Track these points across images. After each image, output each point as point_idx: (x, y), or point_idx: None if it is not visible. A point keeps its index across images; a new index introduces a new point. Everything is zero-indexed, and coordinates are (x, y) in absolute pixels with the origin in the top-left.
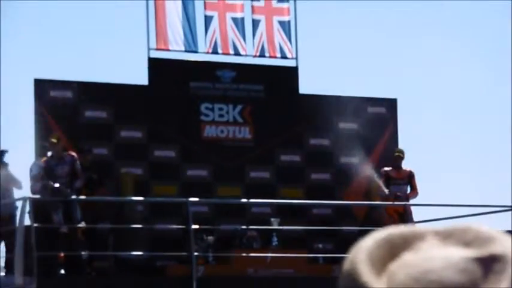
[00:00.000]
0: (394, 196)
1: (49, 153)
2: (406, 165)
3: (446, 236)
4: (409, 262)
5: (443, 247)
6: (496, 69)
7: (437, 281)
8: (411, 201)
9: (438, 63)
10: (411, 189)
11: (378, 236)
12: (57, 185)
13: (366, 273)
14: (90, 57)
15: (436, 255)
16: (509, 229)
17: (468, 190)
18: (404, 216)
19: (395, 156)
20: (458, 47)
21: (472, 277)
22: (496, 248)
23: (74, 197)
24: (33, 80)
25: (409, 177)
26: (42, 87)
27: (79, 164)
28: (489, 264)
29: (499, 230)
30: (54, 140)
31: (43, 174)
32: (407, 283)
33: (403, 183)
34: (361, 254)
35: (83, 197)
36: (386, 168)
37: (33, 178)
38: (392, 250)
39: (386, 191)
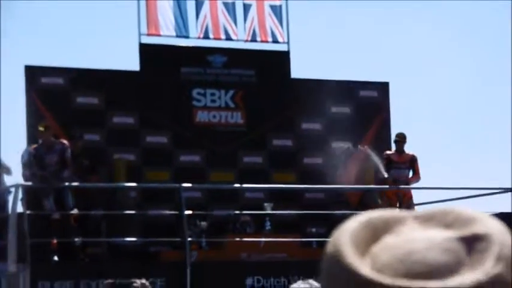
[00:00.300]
0: (392, 180)
1: (40, 141)
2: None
3: (427, 219)
4: (392, 244)
5: (424, 229)
6: (489, 52)
7: (421, 261)
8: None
9: (431, 46)
10: (413, 174)
11: (359, 219)
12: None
13: (349, 255)
14: (81, 44)
15: (418, 237)
16: (508, 211)
17: (463, 173)
18: (404, 200)
19: (395, 141)
20: (451, 29)
21: (456, 256)
22: (478, 228)
23: (65, 184)
24: (24, 67)
25: (411, 162)
26: (33, 73)
27: (69, 153)
28: (472, 243)
29: (488, 212)
30: (41, 129)
31: (32, 162)
32: (392, 264)
33: (404, 167)
34: (344, 236)
35: (75, 183)
36: (388, 152)
37: (24, 165)
38: (374, 233)
39: (385, 174)
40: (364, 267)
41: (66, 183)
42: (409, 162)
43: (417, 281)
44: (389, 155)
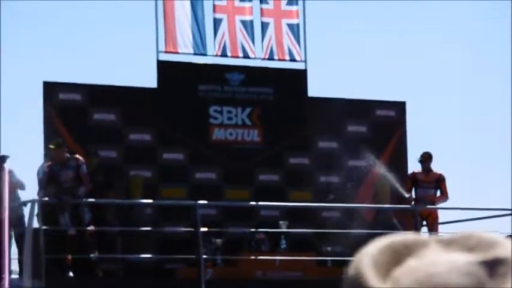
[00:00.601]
0: (415, 199)
1: (48, 165)
2: (414, 168)
3: (449, 243)
4: (414, 267)
5: (446, 253)
6: (506, 73)
7: (442, 284)
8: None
9: (448, 67)
10: (440, 193)
11: (381, 242)
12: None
13: (371, 278)
14: (99, 60)
15: (440, 260)
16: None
17: (478, 193)
18: (429, 220)
19: (419, 160)
20: (467, 50)
21: (477, 280)
22: (499, 252)
23: (82, 200)
24: (42, 83)
25: (438, 181)
26: (51, 89)
27: (85, 169)
28: (494, 267)
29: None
30: (52, 147)
31: (46, 180)
32: (413, 287)
33: (430, 186)
34: (365, 259)
35: (91, 199)
36: (415, 171)
37: (40, 183)
38: (396, 256)
39: (405, 193)
40: None
41: (83, 199)
42: (436, 182)
43: None
44: (415, 174)
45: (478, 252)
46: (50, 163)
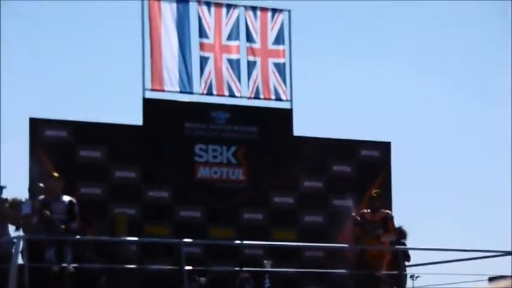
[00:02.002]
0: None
1: (41, 197)
2: (399, 208)
3: None
4: None
5: None
6: (492, 113)
7: None
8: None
9: (434, 107)
10: (386, 231)
11: None
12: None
13: None
14: (85, 96)
15: None
16: (508, 274)
17: (465, 234)
18: (375, 259)
19: (368, 198)
20: (456, 90)
21: None
22: None
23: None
24: (29, 119)
25: (384, 220)
26: (37, 125)
27: (77, 208)
28: None
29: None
30: (56, 175)
31: (41, 206)
32: None
33: (377, 225)
34: None
35: (77, 236)
36: (364, 210)
37: (24, 217)
38: None
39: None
40: None
41: (67, 236)
42: (382, 221)
43: None
44: (364, 213)
45: None
46: (42, 196)
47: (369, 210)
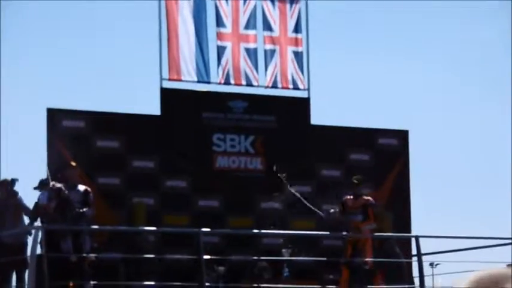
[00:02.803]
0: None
1: (58, 184)
2: (416, 197)
3: None
4: None
5: None
6: (507, 103)
7: None
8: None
9: (452, 95)
10: (366, 219)
11: (469, 278)
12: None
13: None
14: (103, 87)
15: None
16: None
17: (481, 222)
18: (357, 247)
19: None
20: (470, 79)
21: None
22: None
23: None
24: (46, 109)
25: (364, 207)
26: (55, 116)
27: (92, 197)
28: None
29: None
30: (74, 164)
31: (59, 191)
32: None
33: (357, 212)
34: None
35: (95, 226)
36: (346, 196)
37: (41, 207)
38: None
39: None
40: None
41: (85, 226)
42: (362, 207)
43: None
44: (346, 200)
45: None
46: (60, 184)
47: (351, 197)
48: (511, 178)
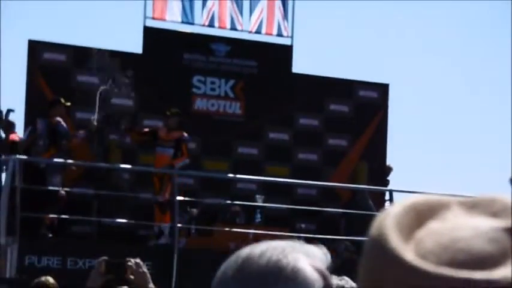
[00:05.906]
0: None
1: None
2: (394, 150)
3: (472, 206)
4: (437, 230)
5: (469, 217)
6: (490, 54)
7: (466, 250)
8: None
9: (436, 50)
10: (180, 155)
11: (403, 203)
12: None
13: (394, 239)
14: (86, 22)
15: (463, 225)
16: None
17: (459, 177)
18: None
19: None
20: (456, 32)
21: (502, 247)
22: None
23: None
24: (28, 41)
25: (178, 141)
26: (36, 48)
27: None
28: None
29: None
30: (68, 104)
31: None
32: (436, 251)
33: (169, 146)
34: (388, 220)
35: (70, 161)
36: (159, 125)
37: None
38: (419, 218)
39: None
40: (408, 253)
41: (57, 160)
42: (176, 141)
43: (461, 270)
44: (158, 128)
45: (502, 218)
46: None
47: (165, 128)
48: (508, 133)
